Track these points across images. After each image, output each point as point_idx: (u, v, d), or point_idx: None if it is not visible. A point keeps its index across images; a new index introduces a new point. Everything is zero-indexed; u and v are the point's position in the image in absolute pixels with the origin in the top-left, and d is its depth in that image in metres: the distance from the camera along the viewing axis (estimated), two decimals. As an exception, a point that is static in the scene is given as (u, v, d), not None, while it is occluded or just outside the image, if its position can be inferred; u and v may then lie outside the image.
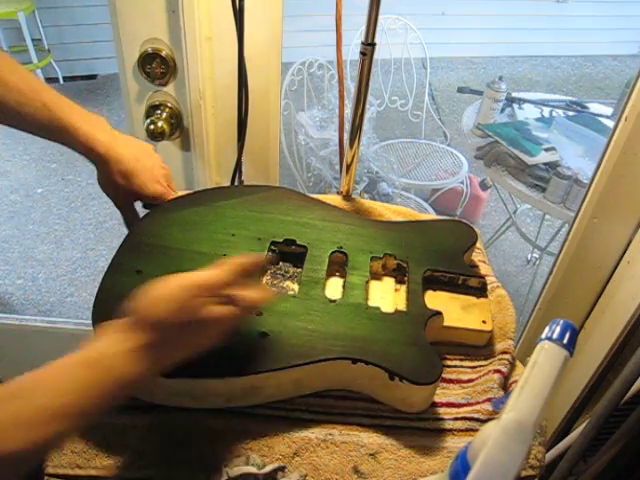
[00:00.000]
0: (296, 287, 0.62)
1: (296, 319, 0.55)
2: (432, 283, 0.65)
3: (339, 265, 0.65)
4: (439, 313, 0.59)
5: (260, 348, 0.52)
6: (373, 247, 0.66)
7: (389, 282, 0.66)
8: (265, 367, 0.51)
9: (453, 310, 0.62)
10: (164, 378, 0.49)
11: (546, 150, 1.70)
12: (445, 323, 0.60)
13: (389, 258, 0.65)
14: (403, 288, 0.64)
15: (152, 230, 0.65)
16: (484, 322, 0.62)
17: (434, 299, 0.63)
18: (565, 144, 1.75)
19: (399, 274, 0.66)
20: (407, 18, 2.38)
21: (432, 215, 1.79)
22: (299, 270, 0.63)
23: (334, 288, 0.63)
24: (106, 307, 0.55)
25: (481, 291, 0.65)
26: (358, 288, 0.60)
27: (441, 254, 0.67)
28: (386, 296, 0.63)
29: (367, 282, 0.61)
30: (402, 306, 0.60)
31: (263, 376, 0.51)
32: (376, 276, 0.66)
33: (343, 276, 0.63)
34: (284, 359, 0.51)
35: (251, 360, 0.51)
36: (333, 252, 0.64)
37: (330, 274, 0.64)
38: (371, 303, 0.60)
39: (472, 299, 0.64)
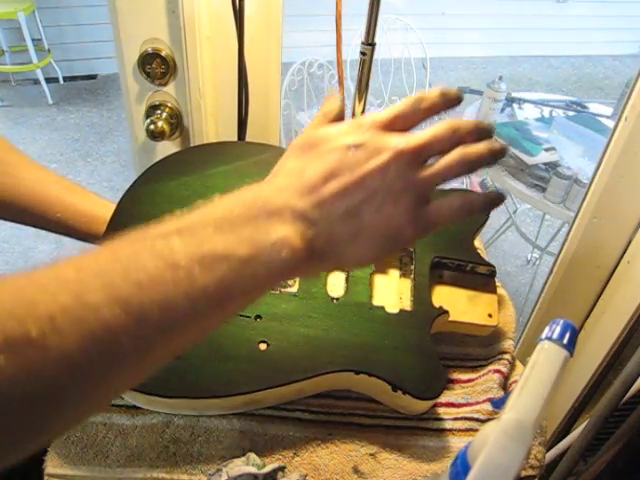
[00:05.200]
0: None
1: (297, 323, 0.54)
2: (439, 268, 0.63)
3: None
4: (445, 312, 0.58)
5: (260, 362, 0.51)
6: None
7: (394, 274, 0.64)
8: (266, 385, 0.49)
9: (459, 301, 0.61)
10: (162, 398, 0.48)
11: (546, 150, 1.70)
12: (450, 318, 0.59)
13: None
14: (409, 280, 0.62)
15: (138, 211, 0.59)
16: (490, 316, 0.60)
17: (440, 289, 0.61)
18: (565, 144, 1.75)
19: (405, 255, 0.64)
20: (407, 18, 2.38)
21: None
22: None
23: (336, 281, 0.60)
24: None
25: (489, 277, 0.63)
26: (362, 283, 0.58)
27: (450, 237, 0.64)
28: (391, 291, 0.61)
29: (372, 274, 0.59)
30: (407, 303, 0.59)
31: (264, 392, 0.50)
32: (380, 265, 0.63)
33: None
34: (285, 375, 0.50)
35: (251, 377, 0.50)
36: None
37: None
38: (375, 301, 0.58)
39: (479, 288, 0.62)
